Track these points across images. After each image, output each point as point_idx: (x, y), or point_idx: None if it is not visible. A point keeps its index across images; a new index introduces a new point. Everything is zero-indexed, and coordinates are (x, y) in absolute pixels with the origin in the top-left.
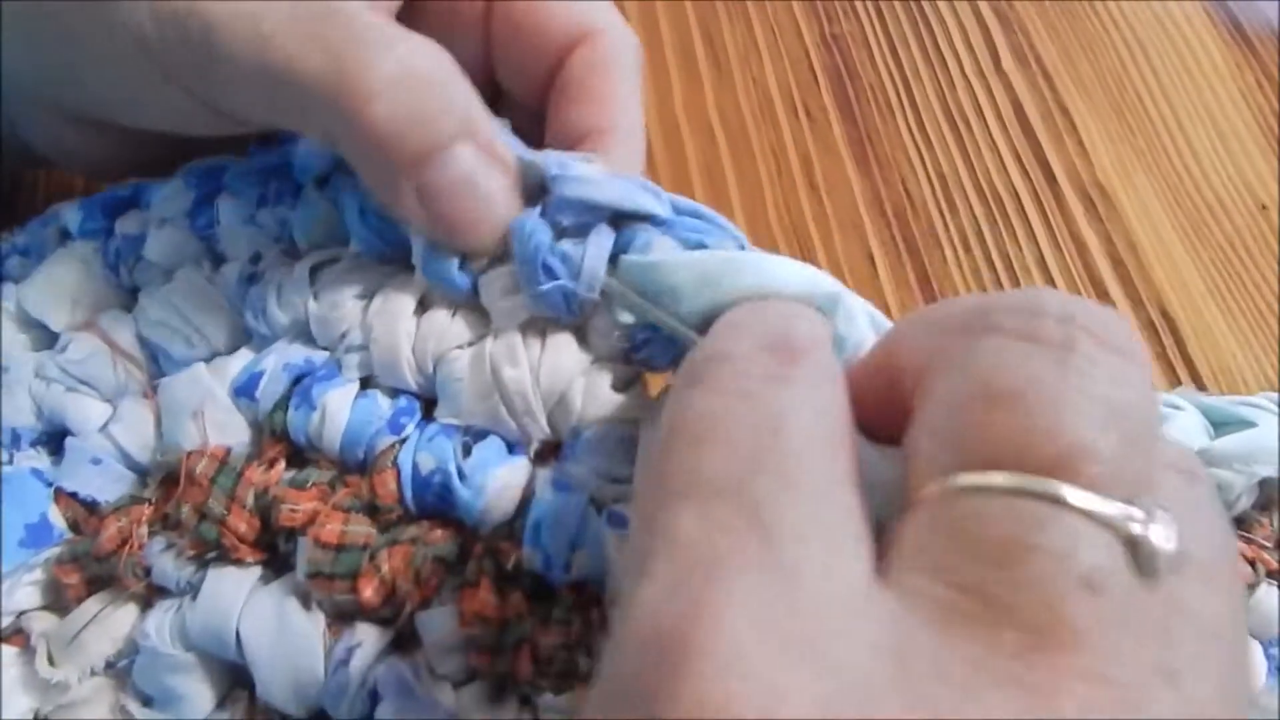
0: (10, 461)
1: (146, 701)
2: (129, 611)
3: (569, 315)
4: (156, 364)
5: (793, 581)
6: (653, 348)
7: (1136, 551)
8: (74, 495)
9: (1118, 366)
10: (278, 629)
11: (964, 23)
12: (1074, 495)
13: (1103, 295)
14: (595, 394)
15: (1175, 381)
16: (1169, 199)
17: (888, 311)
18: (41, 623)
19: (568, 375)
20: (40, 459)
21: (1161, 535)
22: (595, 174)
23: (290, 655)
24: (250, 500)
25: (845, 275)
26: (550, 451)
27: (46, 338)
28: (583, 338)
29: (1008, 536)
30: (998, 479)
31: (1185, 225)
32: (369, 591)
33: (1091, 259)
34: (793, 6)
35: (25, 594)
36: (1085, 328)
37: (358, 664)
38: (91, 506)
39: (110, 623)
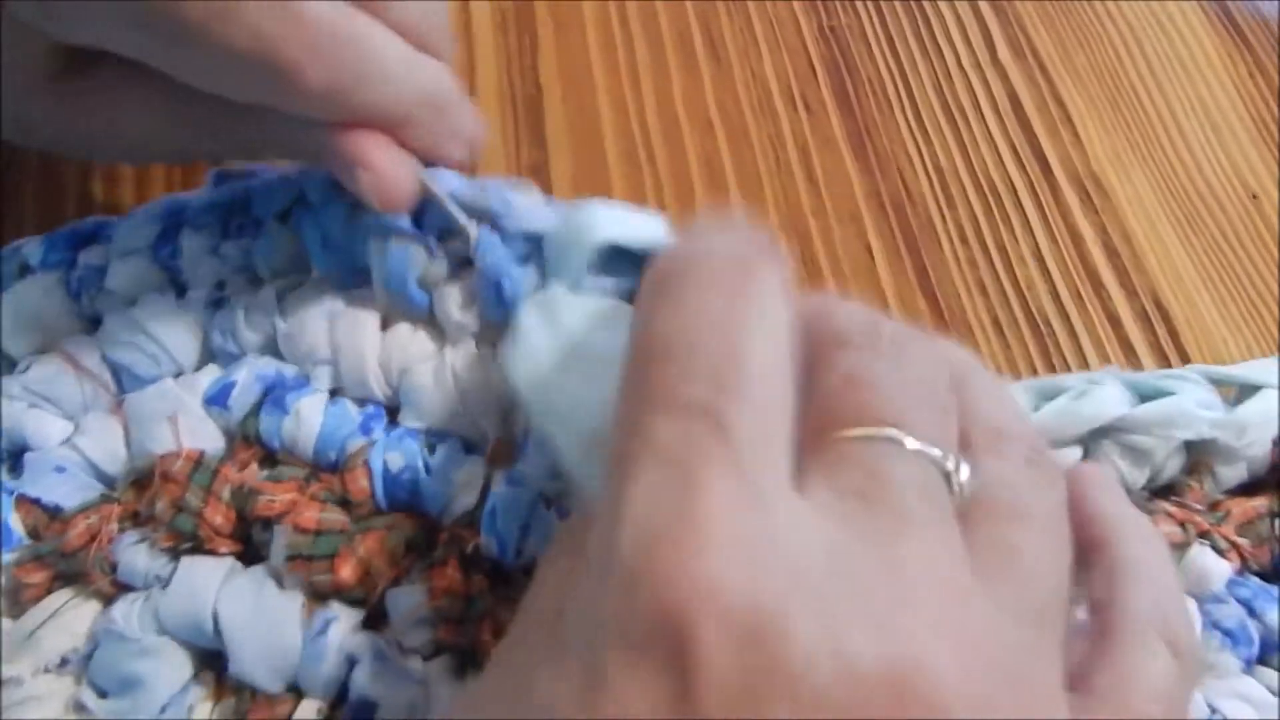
0: None
1: (102, 695)
2: (90, 609)
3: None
4: (118, 384)
5: (755, 488)
6: None
7: (949, 481)
8: (36, 501)
9: (925, 364)
10: (256, 606)
11: (960, 15)
12: (908, 441)
13: (1098, 286)
14: None
15: None
16: (1163, 190)
17: (886, 304)
18: None
19: None
20: None
21: (964, 473)
22: (532, 205)
23: (268, 629)
24: (226, 494)
25: (844, 268)
26: (505, 450)
27: (8, 366)
28: None
29: (872, 463)
30: (859, 431)
31: (1179, 216)
32: (346, 570)
33: (1087, 250)
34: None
35: None
36: (903, 339)
37: (334, 634)
38: (54, 512)
39: (70, 619)
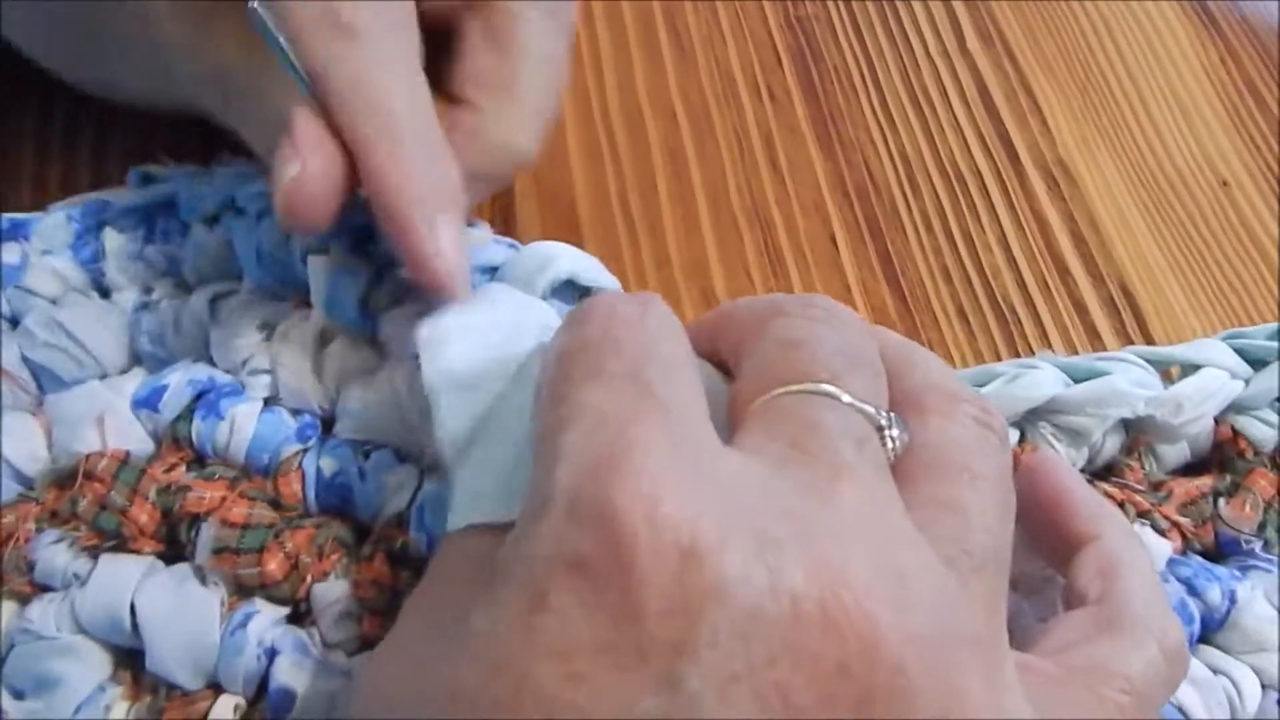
0: None
1: (19, 695)
2: (5, 610)
3: None
4: (39, 385)
5: (683, 435)
6: None
7: (882, 436)
8: None
9: (855, 332)
10: (175, 601)
11: (929, 4)
12: (844, 396)
13: (1064, 273)
14: None
15: None
16: (1132, 177)
17: (849, 292)
18: None
19: None
20: None
21: (896, 429)
22: (485, 239)
23: (187, 624)
24: (153, 494)
25: (808, 256)
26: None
27: None
28: None
29: (808, 415)
30: (797, 386)
31: (1147, 202)
32: (273, 564)
33: (1054, 237)
34: None
35: None
36: (834, 311)
37: (254, 627)
38: None
39: None
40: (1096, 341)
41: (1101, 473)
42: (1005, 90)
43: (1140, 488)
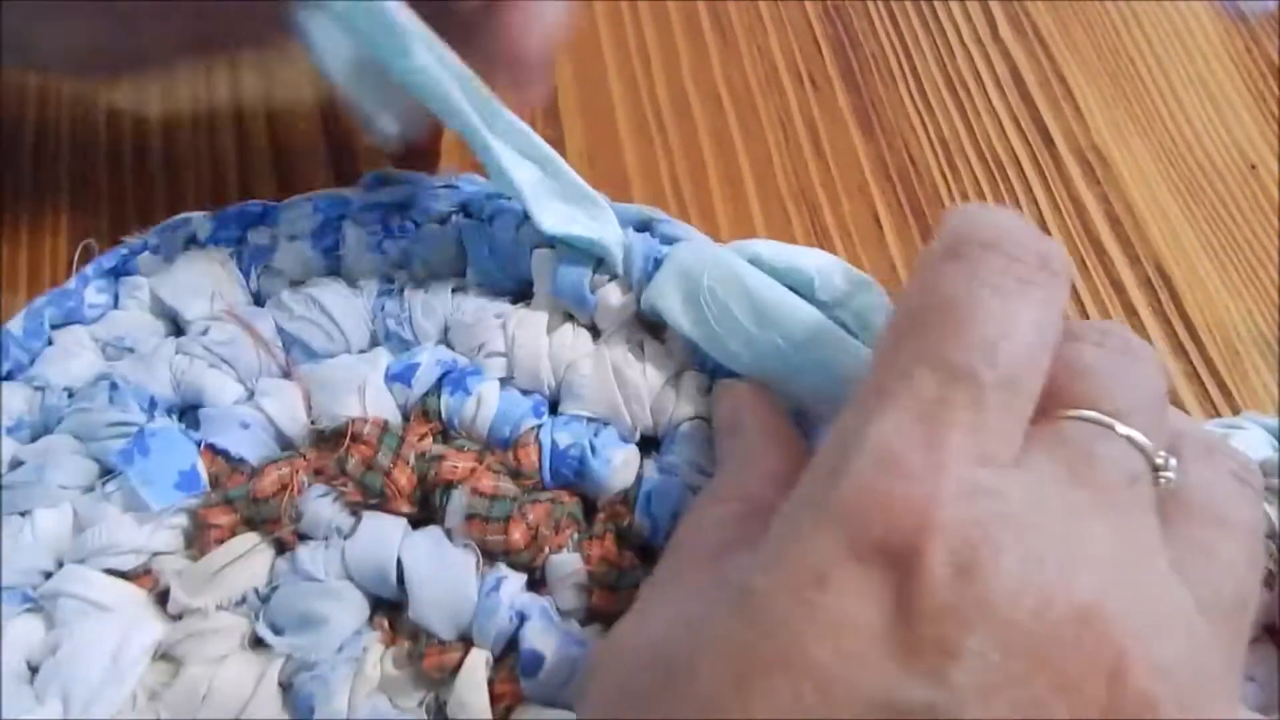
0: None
1: (278, 631)
2: (268, 555)
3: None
4: (287, 355)
5: (985, 447)
6: (717, 362)
7: (1156, 473)
8: (222, 452)
9: (1146, 368)
10: (436, 559)
11: None
12: (1121, 428)
13: (1101, 253)
14: (687, 393)
15: (1171, 334)
16: (1163, 161)
17: (894, 270)
18: (175, 564)
19: (663, 377)
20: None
21: (1172, 465)
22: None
23: (447, 580)
24: (411, 459)
25: (854, 237)
26: (650, 444)
27: (176, 328)
28: (670, 352)
29: (1089, 444)
30: (1081, 413)
31: (1179, 186)
32: (517, 534)
33: (1090, 219)
34: None
35: (167, 536)
36: (1130, 344)
37: (506, 591)
38: (238, 463)
39: (253, 560)
40: (1134, 318)
41: None
42: (1038, 77)
43: None
